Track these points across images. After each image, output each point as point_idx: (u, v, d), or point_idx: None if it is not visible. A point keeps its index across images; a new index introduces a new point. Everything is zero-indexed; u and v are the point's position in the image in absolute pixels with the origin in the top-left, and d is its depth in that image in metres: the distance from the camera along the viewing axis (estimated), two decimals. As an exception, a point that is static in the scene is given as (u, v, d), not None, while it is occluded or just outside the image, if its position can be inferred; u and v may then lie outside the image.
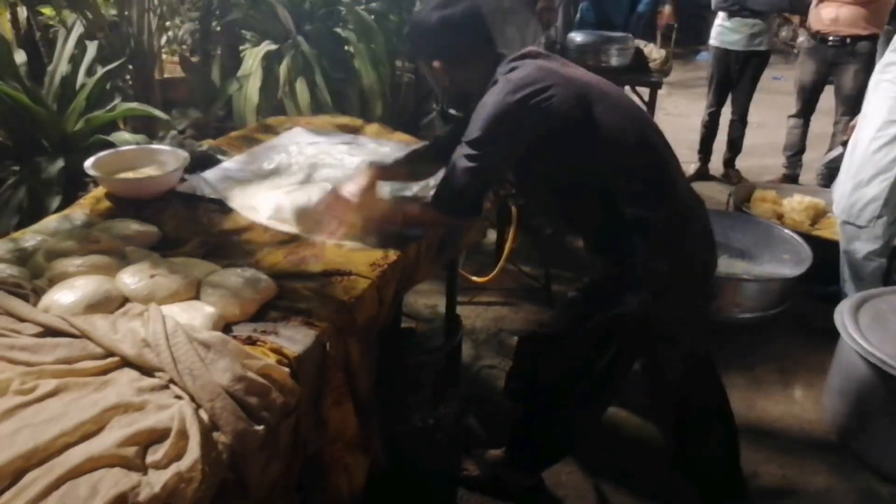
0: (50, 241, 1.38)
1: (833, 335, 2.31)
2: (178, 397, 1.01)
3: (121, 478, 0.87)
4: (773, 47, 4.42)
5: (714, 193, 4.23)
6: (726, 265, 2.92)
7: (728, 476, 1.87)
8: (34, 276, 1.30)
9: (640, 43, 3.91)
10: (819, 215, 3.49)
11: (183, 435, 0.95)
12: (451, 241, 1.86)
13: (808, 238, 3.05)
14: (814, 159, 4.40)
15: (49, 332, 1.12)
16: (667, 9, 4.96)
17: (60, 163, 1.90)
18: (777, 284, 2.78)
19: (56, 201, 1.84)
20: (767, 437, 2.28)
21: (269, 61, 3.16)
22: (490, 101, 1.48)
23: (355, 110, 3.30)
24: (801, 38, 4.47)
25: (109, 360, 1.07)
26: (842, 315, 2.25)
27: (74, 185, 1.90)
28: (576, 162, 1.55)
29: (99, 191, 1.74)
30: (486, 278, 2.70)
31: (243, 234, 1.56)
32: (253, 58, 3.11)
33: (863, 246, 2.67)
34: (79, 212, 1.60)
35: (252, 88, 3.01)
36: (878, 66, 2.66)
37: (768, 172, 4.51)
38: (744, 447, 1.96)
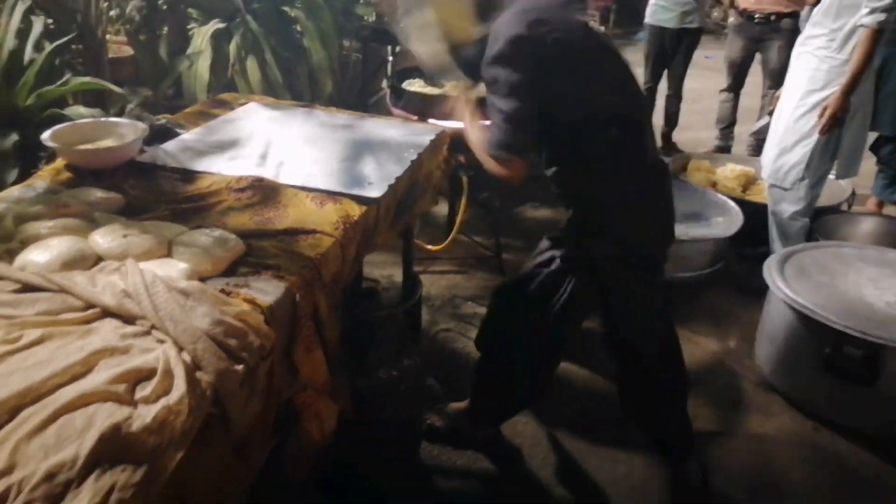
0: (17, 207, 1.41)
1: (764, 292, 2.51)
2: (161, 342, 1.08)
3: (114, 410, 0.94)
4: (704, 26, 4.62)
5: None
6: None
7: (677, 427, 2.01)
8: (2, 240, 1.32)
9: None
10: (750, 182, 3.71)
11: (168, 374, 1.01)
12: (406, 207, 1.95)
13: (740, 202, 3.26)
14: (745, 131, 4.65)
15: (27, 288, 1.16)
16: None
17: (14, 137, 1.90)
18: (710, 244, 2.97)
19: (13, 175, 1.84)
20: (703, 384, 2.46)
21: (218, 40, 3.16)
22: (503, 33, 1.54)
23: (305, 88, 3.34)
24: (731, 18, 4.70)
25: (90, 311, 1.12)
26: (770, 269, 2.44)
27: (28, 159, 1.90)
28: (567, 100, 1.62)
29: (59, 163, 1.75)
30: (439, 247, 2.80)
31: (208, 199, 1.61)
32: (201, 36, 3.11)
33: (788, 207, 2.87)
34: (40, 182, 1.62)
35: (202, 66, 3.02)
36: (799, 40, 2.86)
37: (703, 145, 4.73)
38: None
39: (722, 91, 4.54)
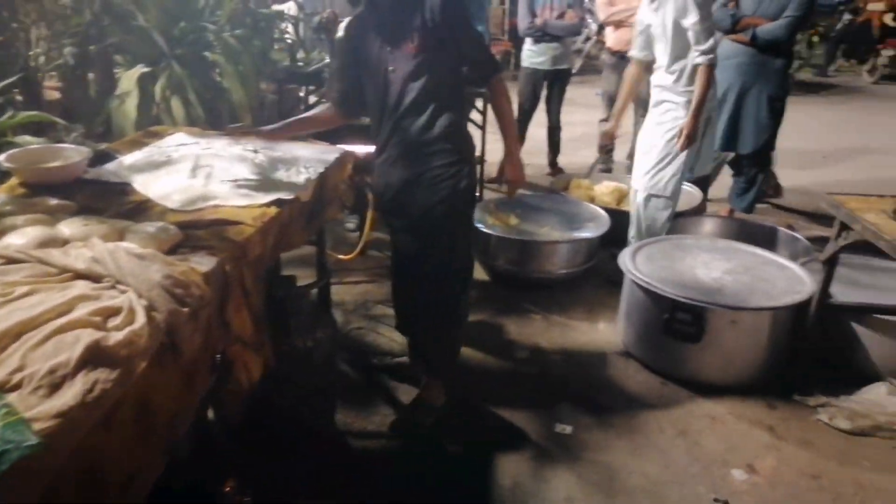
0: (-9, 210, 1.73)
1: (625, 281, 3.03)
2: (123, 292, 1.43)
3: (94, 332, 1.29)
4: (573, 67, 5.40)
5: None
6: (546, 234, 3.63)
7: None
8: (-17, 233, 1.65)
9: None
10: (623, 196, 4.30)
11: (132, 311, 1.37)
12: (316, 212, 2.36)
13: (610, 211, 3.82)
14: (622, 154, 5.33)
15: (11, 262, 1.49)
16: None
17: (-30, 162, 2.19)
18: (583, 245, 3.50)
19: (-30, 194, 2.13)
20: (576, 356, 2.94)
21: (144, 82, 3.50)
22: None
23: (226, 124, 3.71)
24: (605, 57, 5.43)
25: (65, 275, 1.47)
26: (624, 257, 2.97)
27: (-20, 182, 2.18)
28: None
29: (12, 181, 2.07)
30: (349, 256, 3.20)
31: (148, 204, 1.96)
32: (128, 79, 3.44)
33: (665, 212, 3.40)
34: (1, 195, 1.94)
35: (130, 105, 3.34)
36: (658, 76, 3.41)
37: (588, 164, 5.36)
38: (559, 364, 2.72)
39: (601, 121, 5.20)
